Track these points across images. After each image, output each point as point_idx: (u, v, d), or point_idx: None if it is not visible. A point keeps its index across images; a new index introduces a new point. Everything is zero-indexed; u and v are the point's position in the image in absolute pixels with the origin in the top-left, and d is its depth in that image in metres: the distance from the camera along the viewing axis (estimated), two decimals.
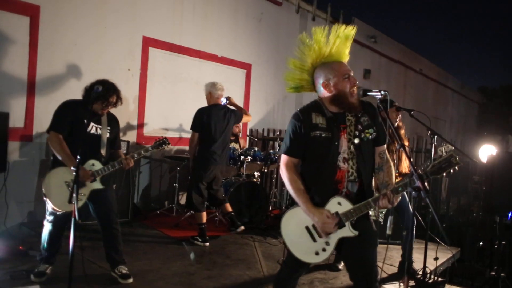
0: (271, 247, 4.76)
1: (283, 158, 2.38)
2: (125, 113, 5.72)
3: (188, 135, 6.79)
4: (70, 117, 3.25)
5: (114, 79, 5.71)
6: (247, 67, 7.71)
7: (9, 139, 4.43)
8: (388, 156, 2.41)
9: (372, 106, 2.41)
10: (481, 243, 5.89)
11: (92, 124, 3.34)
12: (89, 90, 3.28)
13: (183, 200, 6.67)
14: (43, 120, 4.64)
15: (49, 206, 3.27)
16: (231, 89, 7.42)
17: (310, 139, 2.31)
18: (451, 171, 2.23)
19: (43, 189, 3.22)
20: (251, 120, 7.65)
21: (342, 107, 2.32)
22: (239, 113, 5.04)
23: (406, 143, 4.10)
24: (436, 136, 3.68)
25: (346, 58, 2.41)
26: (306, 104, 2.43)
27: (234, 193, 5.35)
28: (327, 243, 2.30)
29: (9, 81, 4.67)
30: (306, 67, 2.42)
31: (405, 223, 4.05)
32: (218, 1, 7.06)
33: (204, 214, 4.74)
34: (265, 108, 8.21)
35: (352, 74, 2.32)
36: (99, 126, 3.38)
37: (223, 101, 5.06)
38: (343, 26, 2.35)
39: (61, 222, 3.34)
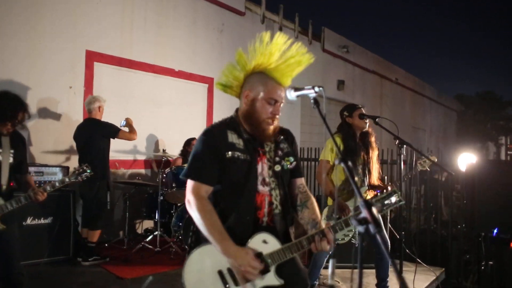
0: None
1: (191, 185, 1.86)
2: (66, 135, 5.11)
3: (143, 157, 6.24)
4: None
5: (53, 98, 5.26)
6: (208, 81, 7.20)
7: None
8: (308, 190, 2.08)
9: (291, 134, 2.12)
10: (467, 256, 5.43)
11: None
12: None
13: (140, 229, 6.08)
14: None
15: None
16: (192, 104, 6.92)
17: (226, 160, 1.86)
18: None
19: None
20: None
21: (251, 129, 1.94)
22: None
23: (376, 152, 3.62)
24: (405, 146, 3.20)
25: (287, 84, 1.97)
26: (219, 121, 2.03)
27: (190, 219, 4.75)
28: None
29: None
30: (247, 67, 1.98)
31: (377, 245, 3.53)
32: (174, 12, 6.58)
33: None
34: None
35: (281, 104, 1.94)
36: None
37: (122, 122, 5.00)
38: (305, 49, 1.96)
39: None
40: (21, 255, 4.14)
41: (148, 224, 6.05)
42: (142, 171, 6.20)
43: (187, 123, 6.77)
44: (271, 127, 1.93)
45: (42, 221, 4.43)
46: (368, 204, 1.25)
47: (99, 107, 4.76)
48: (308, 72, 9.37)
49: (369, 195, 3.57)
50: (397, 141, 3.31)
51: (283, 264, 1.81)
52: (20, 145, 2.96)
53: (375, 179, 3.58)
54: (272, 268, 1.78)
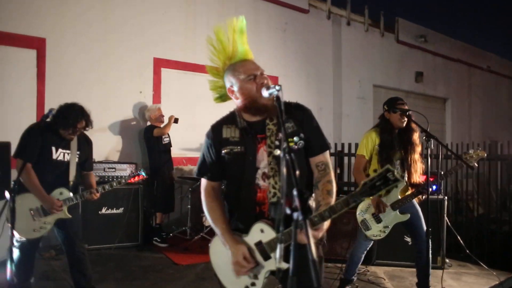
0: None
1: (201, 182, 2.08)
2: (137, 135, 5.73)
3: None
4: (38, 143, 3.18)
5: (124, 102, 5.94)
6: (273, 80, 7.37)
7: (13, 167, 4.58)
8: (330, 167, 1.97)
9: (301, 109, 2.01)
10: None
11: (60, 150, 3.25)
12: (56, 115, 3.17)
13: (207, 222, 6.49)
14: None
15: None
16: None
17: (221, 157, 1.99)
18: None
19: (5, 214, 3.18)
20: None
21: (256, 113, 1.95)
22: None
23: (417, 150, 3.48)
24: (432, 140, 3.07)
25: (250, 55, 2.04)
26: (222, 117, 2.10)
27: None
28: (255, 277, 1.91)
29: (18, 112, 4.88)
30: (221, 72, 2.09)
31: (417, 243, 3.42)
32: (235, 14, 6.83)
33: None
34: None
35: (259, 72, 1.94)
36: (67, 151, 3.29)
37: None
38: (235, 18, 2.00)
39: (28, 249, 3.28)
40: (95, 239, 4.83)
41: None
42: None
43: None
44: (267, 99, 1.84)
45: (114, 211, 5.03)
46: (301, 194, 1.32)
47: (150, 116, 5.60)
48: (383, 66, 9.21)
49: (409, 192, 3.47)
50: (424, 135, 3.17)
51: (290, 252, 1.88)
52: (85, 146, 3.42)
53: (416, 177, 3.45)
54: (276, 254, 1.72)
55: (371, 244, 3.61)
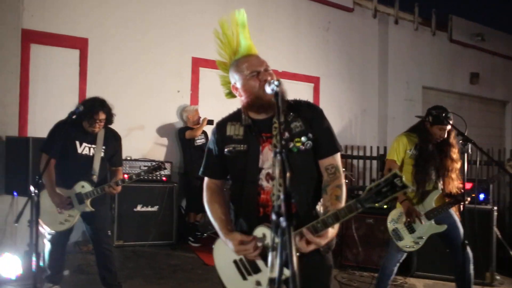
0: None
1: (204, 179, 2.01)
2: (175, 133, 5.76)
3: None
4: (62, 139, 3.24)
5: (163, 101, 5.99)
6: (314, 80, 7.21)
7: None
8: (340, 171, 1.83)
9: (311, 108, 1.91)
10: None
11: (84, 144, 3.30)
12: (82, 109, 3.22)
13: None
14: None
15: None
16: None
17: (225, 155, 1.90)
18: None
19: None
20: None
21: (260, 111, 1.85)
22: None
23: (456, 166, 3.16)
24: (470, 144, 2.78)
25: (253, 50, 1.93)
26: (229, 113, 2.03)
27: None
28: (258, 283, 1.81)
29: (61, 110, 5.04)
30: (228, 67, 2.02)
31: (455, 257, 3.11)
32: (276, 13, 6.79)
33: None
34: (340, 124, 7.51)
35: (263, 68, 1.83)
36: (93, 146, 3.32)
37: None
38: (236, 11, 1.92)
39: (58, 241, 3.34)
40: (130, 236, 4.88)
41: None
42: None
43: None
44: (271, 95, 1.72)
45: (149, 208, 5.06)
46: (287, 197, 1.20)
47: (188, 117, 5.61)
48: (433, 66, 8.73)
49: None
50: (461, 139, 2.88)
51: (301, 256, 1.75)
52: (112, 141, 3.44)
53: (453, 186, 3.14)
54: (268, 263, 1.74)
55: (404, 256, 3.29)
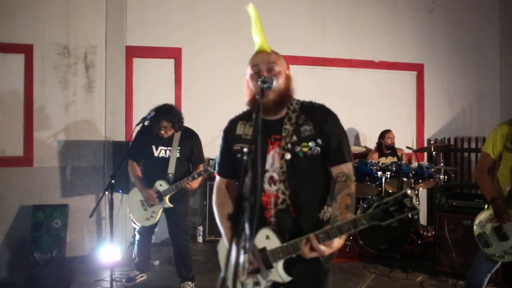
0: (386, 283, 3.84)
1: (216, 177, 2.02)
2: None
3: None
4: (141, 145, 3.58)
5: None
6: (417, 68, 6.61)
7: None
8: (352, 179, 1.73)
9: (324, 112, 1.80)
10: None
11: (160, 147, 3.57)
12: (153, 115, 3.51)
13: None
14: None
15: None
16: (397, 96, 6.53)
17: (232, 153, 1.89)
18: None
19: (127, 205, 3.68)
20: (430, 129, 6.54)
21: (265, 112, 1.77)
22: None
23: None
24: None
25: (265, 46, 1.86)
26: (243, 111, 2.02)
27: None
28: (257, 284, 1.77)
29: None
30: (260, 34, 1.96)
31: None
32: (369, 2, 6.41)
33: None
34: (450, 113, 6.76)
35: (267, 67, 1.77)
36: (168, 148, 3.58)
37: None
38: (248, 6, 1.85)
39: (145, 234, 3.72)
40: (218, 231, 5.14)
41: None
42: None
43: (391, 115, 6.44)
44: (268, 93, 1.70)
45: None
46: (240, 199, 1.16)
47: None
48: None
49: None
50: None
51: (297, 262, 1.70)
52: (188, 141, 3.66)
53: None
54: (276, 265, 1.70)
55: (497, 266, 2.79)
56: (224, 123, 3.30)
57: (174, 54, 5.59)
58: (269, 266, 1.71)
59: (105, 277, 3.96)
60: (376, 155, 5.76)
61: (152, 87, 5.52)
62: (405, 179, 4.81)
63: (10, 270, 4.73)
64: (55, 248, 4.52)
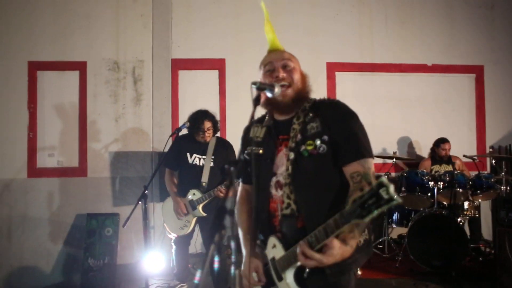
0: None
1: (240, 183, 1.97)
2: None
3: (391, 161, 6.05)
4: (176, 152, 3.63)
5: None
6: (476, 70, 6.14)
7: None
8: (369, 179, 1.53)
9: (333, 107, 1.70)
10: None
11: (195, 155, 3.61)
12: (188, 125, 3.56)
13: (394, 233, 5.90)
14: None
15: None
16: (453, 101, 6.12)
17: (246, 158, 1.85)
18: None
19: (162, 215, 3.73)
20: (493, 135, 6.07)
21: (276, 110, 1.75)
22: None
23: None
24: None
25: (276, 44, 1.86)
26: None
27: (417, 228, 4.31)
28: None
29: None
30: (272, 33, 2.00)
31: None
32: (419, 2, 6.08)
33: None
34: None
35: (281, 64, 1.73)
36: (203, 157, 3.61)
37: None
38: (261, 4, 1.83)
39: (181, 244, 3.74)
40: None
41: (401, 230, 5.78)
42: (392, 174, 6.01)
43: (447, 122, 6.03)
44: (287, 92, 1.67)
45: None
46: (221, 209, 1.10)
47: None
48: None
49: None
50: None
51: (311, 274, 1.58)
52: (221, 150, 3.68)
53: None
54: (288, 275, 1.61)
55: None
56: None
57: (218, 65, 5.65)
58: (280, 278, 1.62)
59: (148, 286, 4.03)
60: (428, 163, 5.42)
61: (197, 98, 5.61)
62: (460, 189, 4.44)
63: (67, 274, 5.01)
64: (107, 255, 4.72)
